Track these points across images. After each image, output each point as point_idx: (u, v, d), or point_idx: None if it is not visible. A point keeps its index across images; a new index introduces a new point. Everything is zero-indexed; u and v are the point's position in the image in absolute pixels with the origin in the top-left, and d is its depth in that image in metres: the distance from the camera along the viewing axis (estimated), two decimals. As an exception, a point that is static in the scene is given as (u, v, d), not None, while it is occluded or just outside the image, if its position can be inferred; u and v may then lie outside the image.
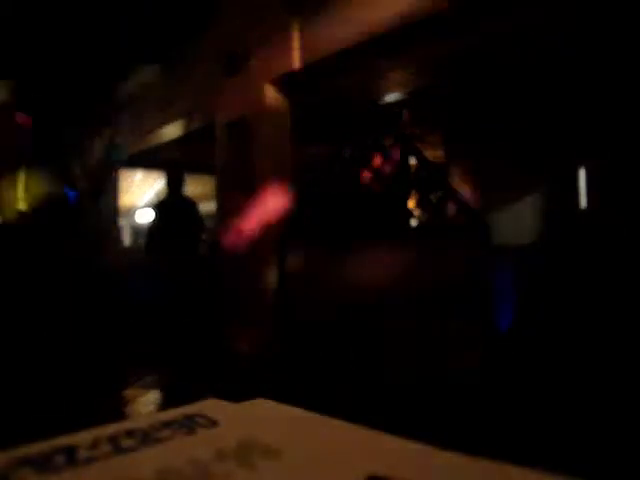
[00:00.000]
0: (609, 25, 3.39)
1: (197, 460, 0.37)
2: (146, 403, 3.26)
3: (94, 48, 5.34)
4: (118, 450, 0.39)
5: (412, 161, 4.32)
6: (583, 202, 5.42)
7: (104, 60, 5.53)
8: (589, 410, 2.71)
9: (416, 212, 4.50)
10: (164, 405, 3.25)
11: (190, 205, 4.92)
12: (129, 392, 3.51)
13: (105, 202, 6.22)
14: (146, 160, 7.76)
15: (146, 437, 0.42)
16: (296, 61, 4.11)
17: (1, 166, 3.68)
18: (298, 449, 0.41)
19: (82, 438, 0.41)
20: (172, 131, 6.15)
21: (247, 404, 0.49)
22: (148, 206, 9.78)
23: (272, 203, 4.30)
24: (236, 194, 4.76)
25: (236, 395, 0.51)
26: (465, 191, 5.10)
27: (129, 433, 0.42)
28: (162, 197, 4.97)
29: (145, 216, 10.39)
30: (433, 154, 6.13)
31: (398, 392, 3.21)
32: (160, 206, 4.94)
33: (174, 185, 4.69)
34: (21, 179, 3.68)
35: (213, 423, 0.45)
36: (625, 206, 4.49)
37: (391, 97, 4.58)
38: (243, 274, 4.55)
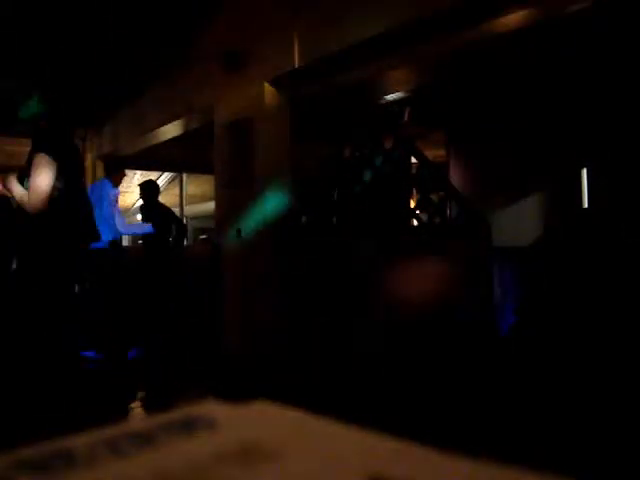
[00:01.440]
0: (610, 24, 3.38)
1: (196, 462, 0.37)
2: (145, 404, 3.26)
3: (90, 49, 5.33)
4: (116, 453, 0.39)
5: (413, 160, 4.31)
6: (584, 202, 5.42)
7: (101, 60, 5.52)
8: (589, 410, 2.71)
9: (417, 212, 4.50)
10: (163, 406, 3.24)
11: (167, 211, 5.72)
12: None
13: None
14: (145, 160, 7.75)
15: (144, 439, 0.41)
16: (296, 60, 4.10)
17: None
18: (299, 451, 0.40)
19: (80, 441, 0.41)
20: (171, 130, 6.14)
21: (247, 405, 0.48)
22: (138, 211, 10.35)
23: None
24: (236, 194, 4.76)
25: (236, 395, 0.51)
26: (466, 191, 5.09)
27: (127, 435, 0.42)
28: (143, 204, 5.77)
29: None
30: (435, 153, 6.12)
31: (398, 388, 3.20)
32: (141, 211, 5.73)
33: (149, 195, 5.41)
34: None
35: (212, 424, 0.44)
36: (626, 206, 4.48)
37: (392, 96, 4.57)
38: (244, 274, 4.55)
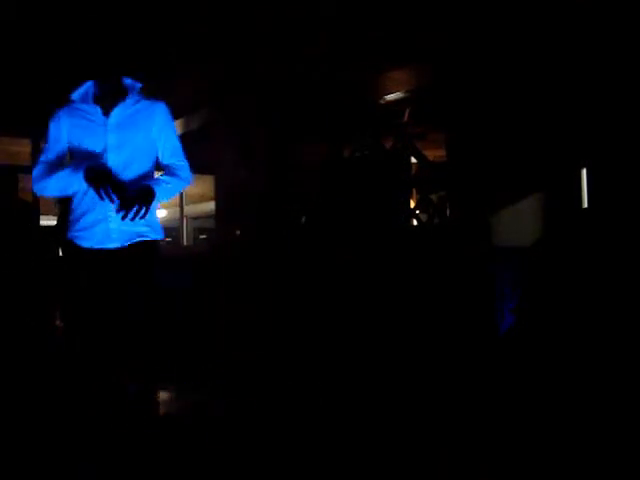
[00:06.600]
0: (609, 24, 3.39)
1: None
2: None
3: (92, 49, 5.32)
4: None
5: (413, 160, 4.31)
6: (584, 202, 5.40)
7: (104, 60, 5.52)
8: (589, 411, 2.71)
9: (417, 212, 4.50)
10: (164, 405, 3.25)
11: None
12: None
13: None
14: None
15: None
16: (296, 61, 4.11)
17: None
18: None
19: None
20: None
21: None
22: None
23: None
24: (236, 194, 4.77)
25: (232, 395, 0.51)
26: (466, 191, 5.09)
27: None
28: None
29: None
30: (435, 153, 6.11)
31: (398, 389, 3.20)
32: None
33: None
34: None
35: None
36: (626, 206, 4.48)
37: (392, 96, 4.57)
38: (238, 275, 4.55)
